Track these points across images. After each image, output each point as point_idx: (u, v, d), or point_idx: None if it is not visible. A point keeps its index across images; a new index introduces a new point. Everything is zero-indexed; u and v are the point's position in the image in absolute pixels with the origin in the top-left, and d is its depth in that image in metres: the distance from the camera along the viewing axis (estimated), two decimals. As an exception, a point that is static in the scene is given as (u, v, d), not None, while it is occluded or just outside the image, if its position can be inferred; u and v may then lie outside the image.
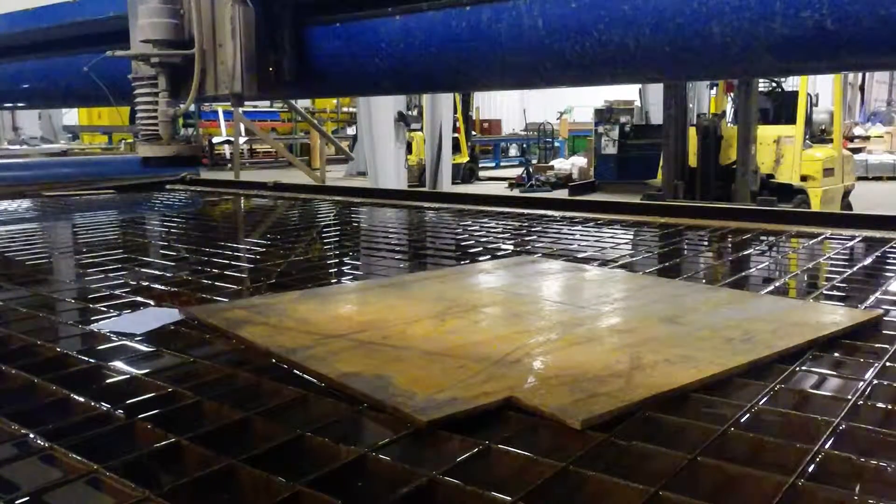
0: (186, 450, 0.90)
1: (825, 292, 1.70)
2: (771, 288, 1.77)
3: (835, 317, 1.41)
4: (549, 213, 3.13)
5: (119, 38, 1.82)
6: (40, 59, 2.44)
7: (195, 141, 1.92)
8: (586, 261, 2.09)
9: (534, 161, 17.06)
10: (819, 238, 2.44)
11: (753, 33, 1.26)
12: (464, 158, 15.69)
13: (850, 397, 1.03)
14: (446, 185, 10.44)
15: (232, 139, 13.63)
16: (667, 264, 2.12)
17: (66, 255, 2.43)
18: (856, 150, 14.26)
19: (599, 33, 1.39)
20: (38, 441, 0.91)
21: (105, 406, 1.02)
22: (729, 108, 9.30)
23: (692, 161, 8.15)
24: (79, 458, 0.86)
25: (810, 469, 0.83)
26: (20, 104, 3.41)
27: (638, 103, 14.16)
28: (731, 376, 1.12)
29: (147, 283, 1.84)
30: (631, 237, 2.66)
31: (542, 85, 1.67)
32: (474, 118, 19.34)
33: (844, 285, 1.76)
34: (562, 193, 12.59)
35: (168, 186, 4.56)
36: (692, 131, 8.24)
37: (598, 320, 1.41)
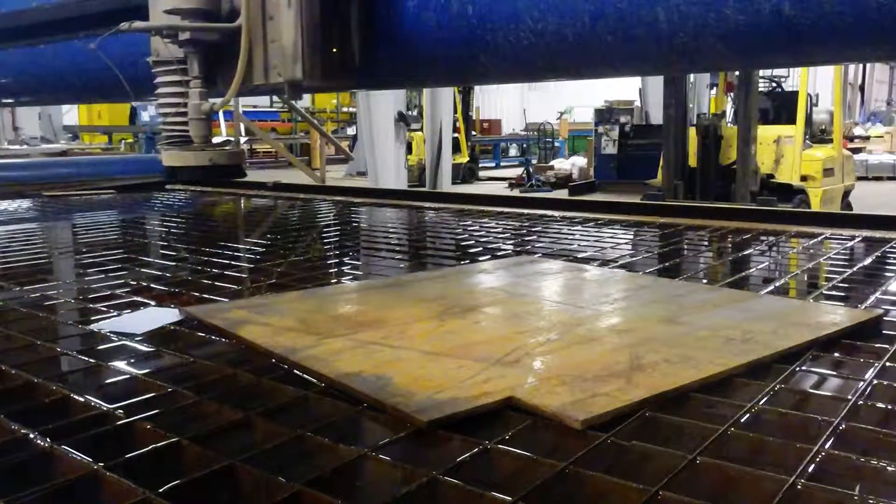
0: (186, 450, 0.90)
1: (825, 292, 1.70)
2: (771, 288, 1.77)
3: (835, 317, 1.41)
4: (549, 213, 3.13)
5: (118, 19, 1.60)
6: (22, 46, 2.21)
7: (235, 145, 1.58)
8: (586, 261, 2.09)
9: (534, 161, 17.07)
10: (819, 238, 2.44)
11: (703, 20, 1.16)
12: (464, 158, 15.69)
13: (850, 397, 1.03)
14: (446, 185, 10.45)
15: (232, 139, 13.65)
16: (667, 264, 2.12)
17: (66, 255, 2.43)
18: (856, 150, 14.28)
19: (534, 21, 1.29)
20: (38, 441, 0.91)
21: (105, 406, 1.02)
22: (729, 108, 9.30)
23: (692, 161, 8.16)
24: (79, 457, 0.86)
25: (810, 469, 0.83)
26: (5, 101, 3.32)
27: (638, 103, 14.16)
28: (731, 376, 1.12)
29: (147, 283, 1.84)
30: (631, 237, 2.66)
31: (478, 81, 1.62)
32: (474, 118, 19.34)
33: (844, 285, 1.76)
34: (562, 193, 12.60)
35: (168, 186, 4.56)
36: (692, 131, 8.24)
37: (598, 320, 1.41)
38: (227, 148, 1.45)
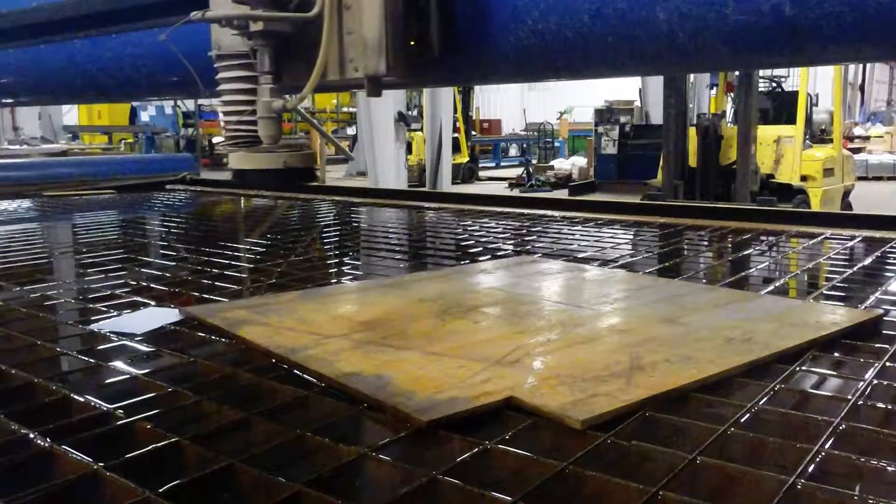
0: (186, 450, 0.90)
1: (825, 292, 1.70)
2: (771, 288, 1.77)
3: (835, 317, 1.41)
4: (549, 213, 3.13)
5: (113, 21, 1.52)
6: (22, 46, 2.20)
7: (307, 147, 1.43)
8: (586, 261, 2.09)
9: (534, 161, 17.07)
10: (819, 238, 2.44)
11: (703, 20, 1.15)
12: (464, 158, 15.70)
13: (850, 397, 1.03)
14: (446, 185, 10.45)
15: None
16: (667, 264, 2.12)
17: (66, 255, 2.43)
18: (856, 150, 14.28)
19: (534, 21, 1.27)
20: (38, 441, 0.91)
21: (105, 406, 1.02)
22: (729, 108, 9.31)
23: (692, 161, 8.16)
24: (79, 457, 0.86)
25: (810, 469, 0.83)
26: (5, 101, 3.30)
27: (638, 103, 14.17)
28: (731, 376, 1.12)
29: (147, 283, 1.84)
30: (631, 237, 2.66)
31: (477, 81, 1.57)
32: (474, 118, 19.34)
33: (844, 285, 1.76)
34: (562, 193, 12.60)
35: (168, 186, 4.56)
36: (692, 131, 8.24)
37: (598, 320, 1.41)
38: (300, 149, 1.34)
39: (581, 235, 2.58)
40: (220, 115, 1.37)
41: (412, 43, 1.25)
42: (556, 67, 1.46)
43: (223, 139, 1.42)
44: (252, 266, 2.15)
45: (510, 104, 26.89)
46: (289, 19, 1.20)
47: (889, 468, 0.83)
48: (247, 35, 1.23)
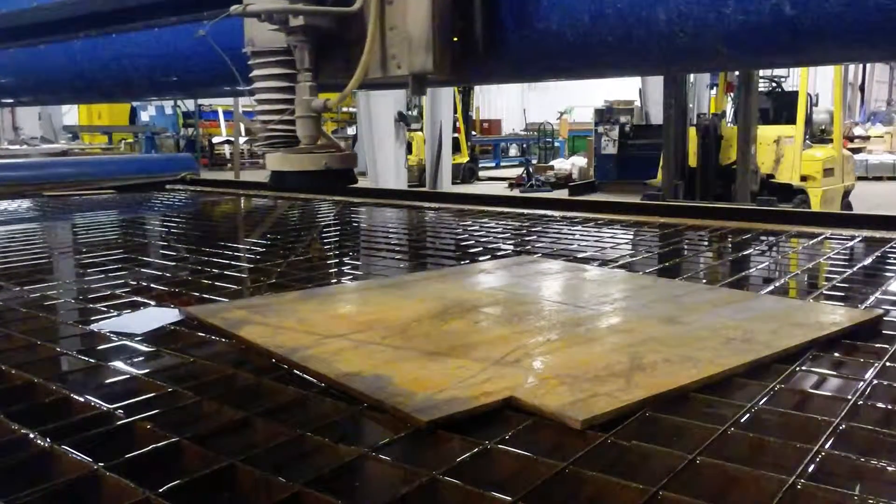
0: (186, 450, 0.90)
1: (825, 292, 1.70)
2: (771, 288, 1.77)
3: (835, 317, 1.41)
4: (549, 213, 3.13)
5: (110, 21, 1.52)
6: (22, 46, 2.20)
7: (347, 148, 1.34)
8: (586, 261, 2.09)
9: (534, 161, 17.07)
10: (819, 238, 2.44)
11: (703, 20, 1.15)
12: (464, 158, 15.69)
13: (850, 397, 1.03)
14: (446, 185, 10.45)
15: (232, 139, 13.66)
16: (667, 264, 2.12)
17: (66, 255, 2.43)
18: (856, 150, 14.27)
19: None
20: (38, 441, 0.91)
21: (105, 406, 1.02)
22: (729, 108, 9.30)
23: (692, 161, 8.15)
24: (79, 457, 0.86)
25: (810, 469, 0.83)
26: (5, 101, 3.29)
27: (638, 103, 14.16)
28: (731, 376, 1.12)
29: (147, 283, 1.84)
30: (631, 237, 2.66)
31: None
32: (474, 118, 19.34)
33: (844, 285, 1.76)
34: (562, 193, 12.59)
35: (168, 186, 4.56)
36: (692, 131, 8.24)
37: (598, 320, 1.41)
38: (341, 150, 1.27)
39: (581, 235, 2.58)
40: (255, 113, 1.33)
41: (454, 39, 1.22)
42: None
43: (258, 139, 1.38)
44: (252, 266, 2.15)
45: (510, 104, 26.89)
46: (330, 14, 1.16)
47: (889, 468, 0.83)
48: (285, 30, 1.19)
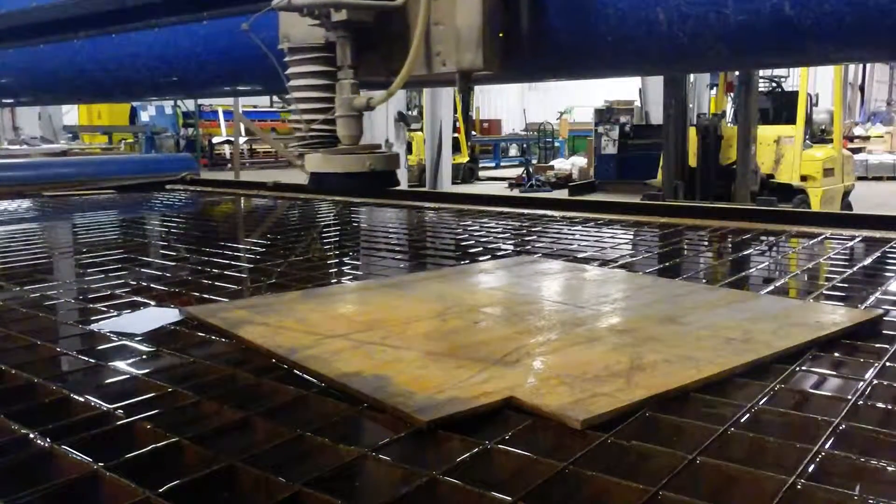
0: (186, 450, 0.90)
1: (825, 292, 1.70)
2: (771, 288, 1.77)
3: (835, 317, 1.41)
4: (549, 213, 3.13)
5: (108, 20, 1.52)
6: (22, 46, 2.21)
7: (388, 147, 1.35)
8: (586, 261, 2.09)
9: (534, 161, 17.06)
10: (819, 238, 2.44)
11: (703, 20, 1.15)
12: (464, 158, 15.68)
13: (850, 397, 1.03)
14: (446, 185, 10.44)
15: (232, 139, 13.66)
16: (667, 264, 2.12)
17: (66, 255, 2.43)
18: (856, 150, 14.27)
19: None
20: (38, 441, 0.91)
21: (105, 406, 1.02)
22: (729, 108, 9.29)
23: (692, 161, 8.15)
24: (79, 457, 0.86)
25: (810, 469, 0.83)
26: (5, 101, 3.29)
27: (638, 103, 14.15)
28: (731, 376, 1.12)
29: (147, 283, 1.84)
30: (631, 237, 2.66)
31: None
32: (474, 118, 19.33)
33: (844, 285, 1.76)
34: (562, 193, 12.59)
35: (168, 186, 4.57)
36: (692, 131, 8.23)
37: (598, 320, 1.41)
38: (383, 151, 1.21)
39: (581, 235, 2.58)
40: (292, 112, 1.28)
41: (500, 35, 1.19)
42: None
43: (294, 139, 1.33)
44: (252, 266, 2.15)
45: (510, 104, 26.88)
46: (374, 8, 1.13)
47: (889, 468, 0.83)
48: (326, 25, 1.15)
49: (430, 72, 1.18)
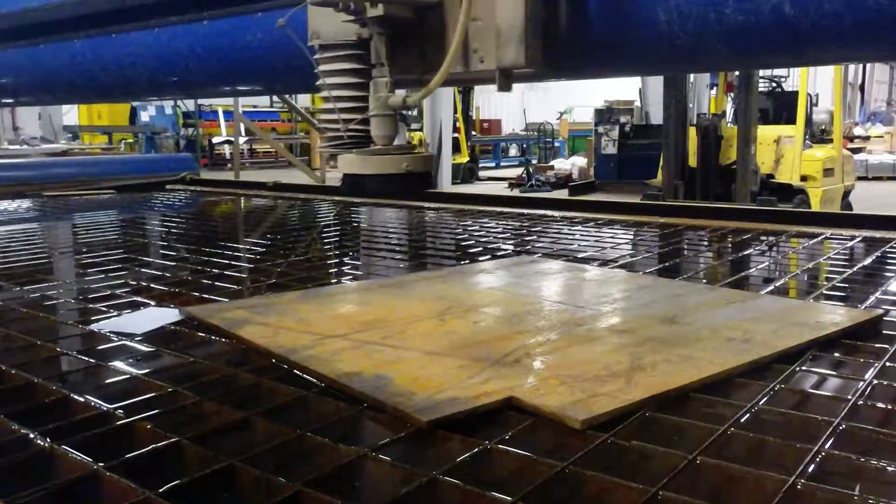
0: (186, 450, 0.90)
1: (825, 292, 1.70)
2: (771, 288, 1.77)
3: (835, 317, 1.41)
4: (549, 213, 3.13)
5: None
6: (22, 46, 2.20)
7: (426, 148, 1.30)
8: (586, 261, 2.09)
9: (534, 161, 17.05)
10: (819, 238, 2.44)
11: (703, 20, 1.14)
12: (464, 158, 15.68)
13: (850, 397, 1.03)
14: (446, 185, 10.44)
15: (232, 139, 13.66)
16: (667, 264, 2.12)
17: (66, 255, 2.43)
18: (856, 151, 14.26)
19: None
20: (38, 441, 0.91)
21: (105, 406, 1.02)
22: (729, 108, 9.30)
23: (692, 161, 8.15)
24: (79, 457, 0.86)
25: (810, 469, 0.83)
26: (5, 101, 3.29)
27: (638, 103, 14.15)
28: (731, 376, 1.12)
29: (147, 283, 1.84)
30: (631, 237, 2.66)
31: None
32: (474, 118, 19.32)
33: (844, 285, 1.76)
34: (562, 193, 12.59)
35: (168, 186, 4.57)
36: (692, 131, 8.23)
37: (598, 320, 1.41)
38: (420, 151, 1.17)
39: (581, 235, 2.58)
40: (321, 112, 1.24)
41: (542, 31, 1.15)
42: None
43: (324, 140, 1.29)
44: (252, 266, 2.15)
45: (510, 104, 26.86)
46: (411, 3, 1.09)
47: (889, 468, 0.83)
48: (360, 21, 1.10)
49: (468, 69, 1.15)
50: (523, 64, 1.11)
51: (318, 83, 1.26)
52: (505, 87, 1.17)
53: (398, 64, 1.17)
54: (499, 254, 2.26)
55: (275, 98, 16.68)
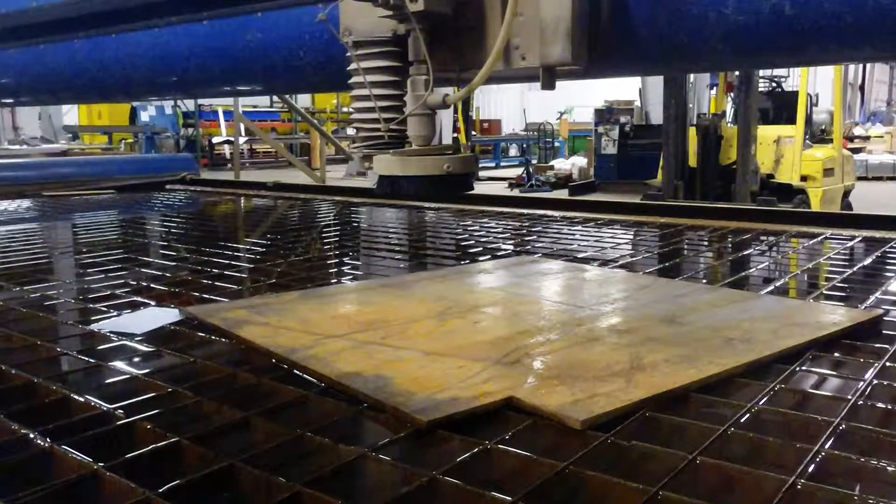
0: (186, 450, 0.90)
1: (825, 292, 1.70)
2: (771, 288, 1.77)
3: (835, 317, 1.41)
4: (549, 213, 3.13)
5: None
6: (22, 46, 2.21)
7: (467, 148, 1.27)
8: (586, 261, 2.09)
9: (534, 161, 17.05)
10: (819, 238, 2.44)
11: (702, 20, 1.14)
12: (464, 158, 15.65)
13: (850, 397, 1.03)
14: (446, 185, 10.42)
15: (232, 139, 13.67)
16: (667, 264, 2.12)
17: (66, 255, 2.43)
18: (856, 150, 14.26)
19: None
20: (38, 441, 0.91)
21: (105, 406, 1.02)
22: (729, 108, 9.29)
23: (692, 161, 8.14)
24: (79, 457, 0.86)
25: (810, 469, 0.83)
26: (5, 101, 3.30)
27: (638, 103, 14.15)
28: (731, 376, 1.12)
29: (147, 283, 1.84)
30: (631, 237, 2.66)
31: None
32: (474, 118, 19.33)
33: (844, 285, 1.76)
34: (562, 193, 12.58)
35: (168, 186, 4.57)
36: (692, 131, 8.23)
37: (598, 320, 1.41)
38: (460, 153, 1.13)
39: (581, 235, 2.58)
40: (354, 111, 1.20)
41: (588, 27, 1.11)
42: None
43: (355, 140, 1.24)
44: (252, 266, 2.15)
45: (510, 104, 26.86)
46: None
47: (889, 468, 0.83)
48: (398, 17, 1.06)
49: (508, 66, 1.11)
50: (570, 61, 1.08)
51: (350, 81, 1.22)
52: (549, 85, 1.13)
53: (434, 60, 1.13)
54: (499, 254, 2.26)
55: (275, 98, 16.69)
